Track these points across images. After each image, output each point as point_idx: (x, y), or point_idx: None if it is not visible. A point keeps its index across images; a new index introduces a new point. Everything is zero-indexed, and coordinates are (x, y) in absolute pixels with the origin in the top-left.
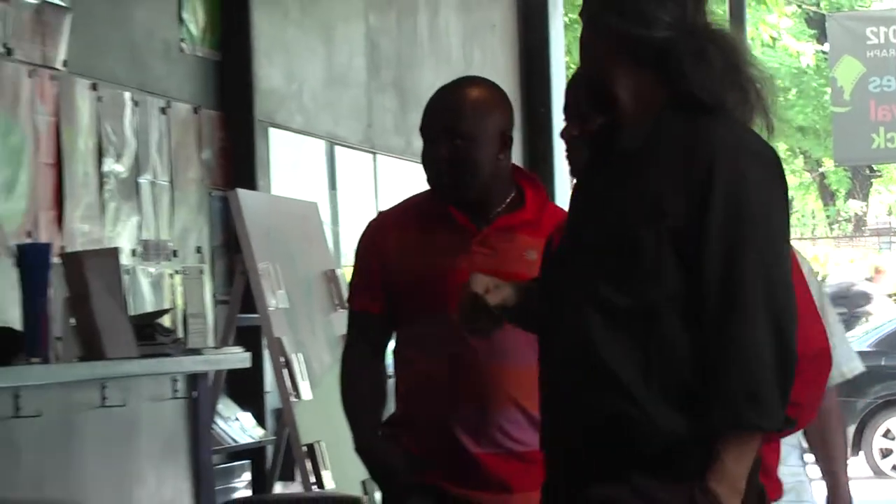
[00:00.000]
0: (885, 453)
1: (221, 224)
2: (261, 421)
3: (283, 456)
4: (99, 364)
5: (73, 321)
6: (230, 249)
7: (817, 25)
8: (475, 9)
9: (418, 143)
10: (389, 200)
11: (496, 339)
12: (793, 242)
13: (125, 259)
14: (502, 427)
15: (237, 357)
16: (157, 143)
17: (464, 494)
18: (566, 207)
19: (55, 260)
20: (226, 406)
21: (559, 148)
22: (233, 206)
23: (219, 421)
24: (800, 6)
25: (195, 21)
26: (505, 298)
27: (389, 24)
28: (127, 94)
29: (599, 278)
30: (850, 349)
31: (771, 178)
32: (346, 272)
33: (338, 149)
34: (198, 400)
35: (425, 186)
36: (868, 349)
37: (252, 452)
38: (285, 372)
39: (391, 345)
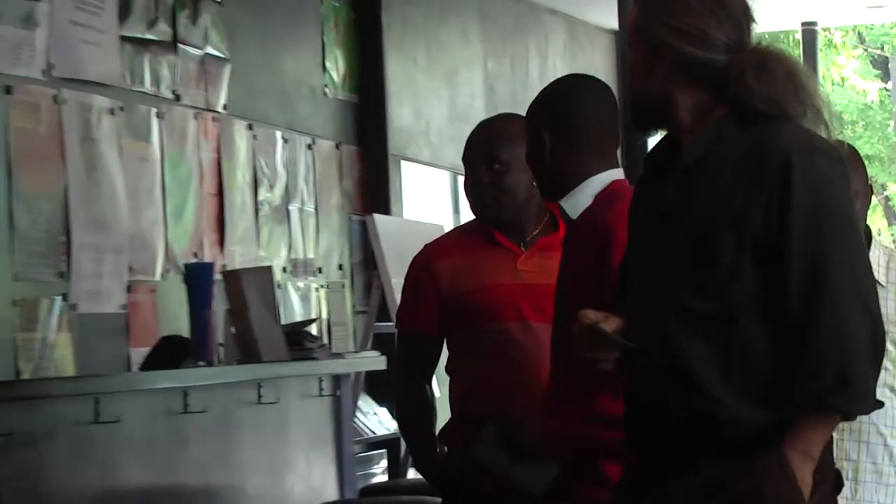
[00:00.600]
0: None
1: (360, 244)
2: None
3: None
4: (255, 366)
5: (233, 329)
6: (367, 266)
7: (881, 66)
8: (579, 55)
9: None
10: None
11: (546, 343)
12: None
13: (277, 275)
14: None
15: (374, 360)
16: (304, 174)
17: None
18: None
19: (217, 277)
20: (365, 402)
21: None
22: (370, 229)
23: (359, 415)
24: (865, 49)
25: (336, 69)
26: (617, 326)
27: (505, 69)
28: (278, 133)
29: (678, 285)
30: None
31: (842, 174)
32: None
33: (460, 178)
34: (341, 397)
35: None
36: None
37: (388, 443)
38: None
39: (443, 359)
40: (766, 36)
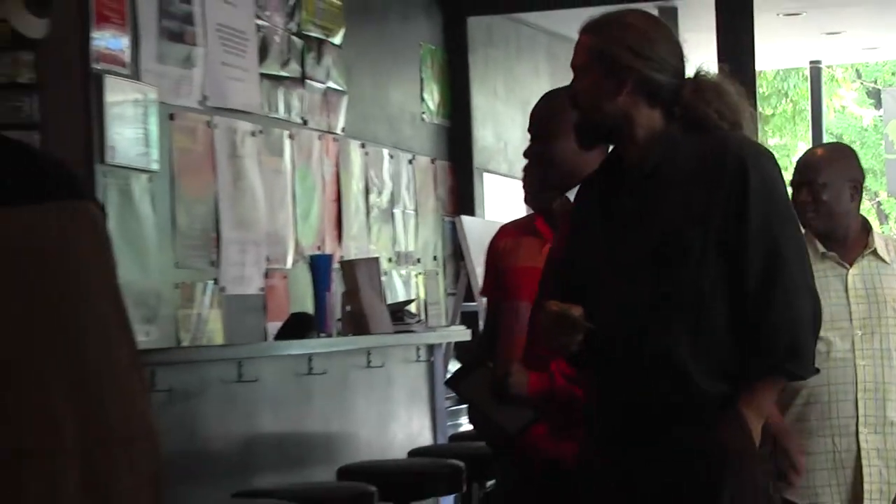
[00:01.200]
0: None
1: (450, 240)
2: None
3: None
4: (366, 338)
5: (348, 308)
6: (456, 257)
7: (875, 97)
8: None
9: None
10: None
11: None
12: None
13: (384, 264)
14: None
15: (461, 332)
16: (406, 184)
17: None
18: None
19: (336, 266)
20: (453, 367)
21: None
22: (458, 228)
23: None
24: (862, 83)
25: (432, 99)
26: (581, 313)
27: None
28: (385, 151)
29: (650, 281)
30: None
31: (780, 172)
32: None
33: None
34: (434, 363)
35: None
36: None
37: None
38: None
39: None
40: (780, 72)
